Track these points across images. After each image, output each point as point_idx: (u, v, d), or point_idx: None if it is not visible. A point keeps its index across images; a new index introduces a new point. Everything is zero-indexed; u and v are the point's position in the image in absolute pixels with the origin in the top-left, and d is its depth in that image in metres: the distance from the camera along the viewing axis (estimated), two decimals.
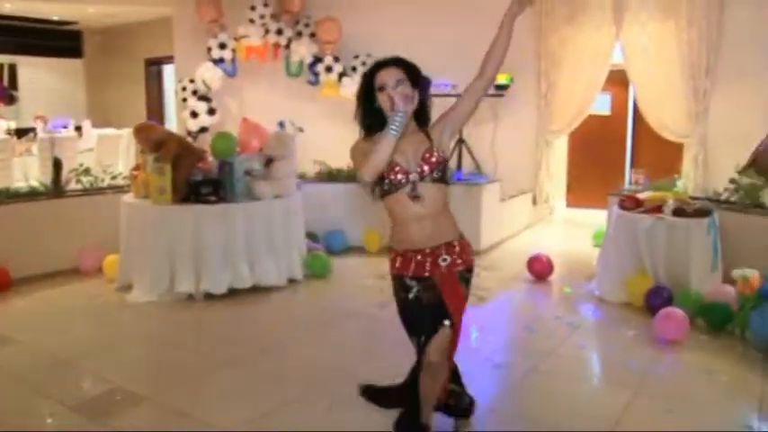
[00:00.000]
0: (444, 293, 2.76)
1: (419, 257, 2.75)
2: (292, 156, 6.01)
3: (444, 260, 2.76)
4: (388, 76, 2.68)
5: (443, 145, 2.79)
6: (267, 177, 5.81)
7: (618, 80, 8.65)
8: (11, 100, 12.02)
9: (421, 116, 2.80)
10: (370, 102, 2.73)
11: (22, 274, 6.08)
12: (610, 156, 9.34)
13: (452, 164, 8.39)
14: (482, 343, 4.61)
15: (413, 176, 2.69)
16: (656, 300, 4.90)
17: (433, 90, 8.01)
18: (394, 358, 4.16)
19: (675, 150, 8.03)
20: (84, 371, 4.17)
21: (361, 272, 6.51)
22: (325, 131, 9.54)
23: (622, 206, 5.49)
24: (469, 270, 2.86)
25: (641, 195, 5.51)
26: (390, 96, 2.64)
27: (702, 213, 5.19)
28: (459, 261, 2.80)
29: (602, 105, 9.18)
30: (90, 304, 5.56)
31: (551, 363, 4.21)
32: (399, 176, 2.69)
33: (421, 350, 2.82)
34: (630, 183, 6.90)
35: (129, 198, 5.94)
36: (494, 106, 8.83)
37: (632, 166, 9.14)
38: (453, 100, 8.00)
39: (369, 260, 6.92)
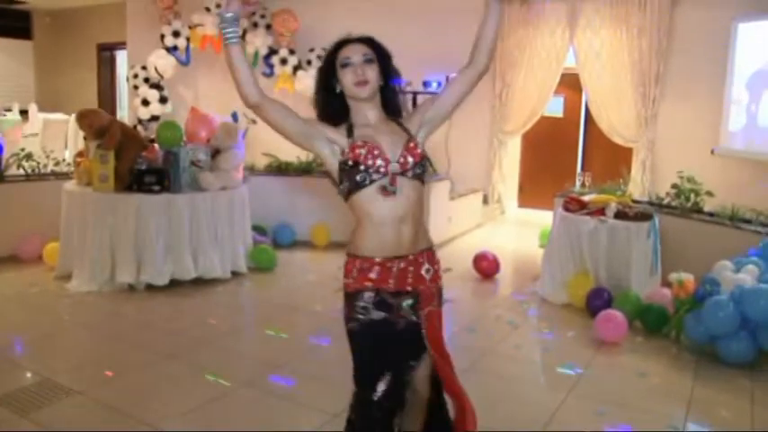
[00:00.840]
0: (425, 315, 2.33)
1: (402, 265, 2.28)
2: (239, 147, 5.94)
3: (428, 271, 2.35)
4: (354, 51, 2.29)
5: (421, 140, 2.37)
6: (213, 168, 5.74)
7: (571, 83, 8.77)
8: None
9: (389, 105, 2.39)
10: (331, 86, 2.32)
11: None
12: (562, 157, 9.45)
13: None
14: None
15: (393, 167, 2.22)
16: (597, 301, 4.97)
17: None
18: (332, 355, 4.18)
19: (625, 154, 8.17)
20: (14, 361, 4.06)
21: (306, 266, 6.51)
22: None
23: (566, 208, 5.56)
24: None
25: (585, 198, 5.58)
26: (358, 74, 2.25)
27: (644, 217, 5.29)
28: (439, 275, 2.41)
29: (555, 108, 9.30)
30: (28, 292, 5.42)
31: (487, 362, 4.24)
32: (379, 162, 2.21)
33: (394, 388, 2.28)
34: (579, 185, 7.00)
35: (71, 185, 5.80)
36: None
37: (583, 168, 9.27)
38: (407, 97, 8.01)
39: (315, 255, 6.90)
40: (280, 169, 7.42)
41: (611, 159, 8.51)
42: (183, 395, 3.61)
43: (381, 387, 2.25)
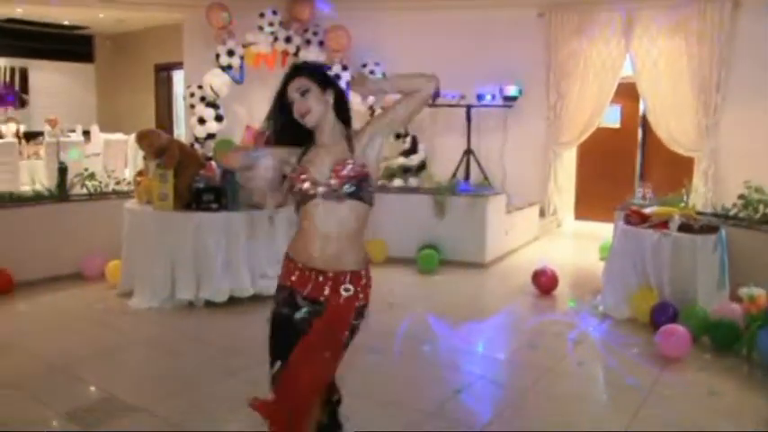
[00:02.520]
0: (329, 323, 2.41)
1: (320, 279, 2.40)
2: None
3: (347, 290, 2.42)
4: (292, 89, 2.41)
5: (368, 158, 2.42)
6: (273, 188, 5.77)
7: (628, 93, 8.60)
8: (21, 103, 12.09)
9: (341, 117, 2.49)
10: (288, 114, 2.45)
11: (25, 278, 6.09)
12: (619, 168, 9.25)
13: (460, 175, 8.37)
14: (481, 359, 4.55)
15: (321, 189, 2.35)
16: (662, 316, 4.82)
17: (440, 101, 8.02)
18: (391, 370, 4.14)
19: (686, 164, 7.95)
20: (81, 378, 4.14)
21: None
22: None
23: (628, 221, 5.42)
24: (365, 307, 2.51)
25: (647, 210, 5.43)
26: (298, 108, 2.40)
27: (709, 230, 5.12)
28: (361, 296, 2.47)
29: (611, 118, 9.13)
30: (91, 310, 5.55)
31: (550, 380, 4.14)
32: (306, 186, 2.36)
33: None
34: (638, 197, 6.83)
35: (131, 204, 5.93)
36: (503, 117, 8.80)
37: (642, 179, 9.06)
38: (462, 110, 7.96)
39: (373, 271, 6.83)
40: None
41: (671, 170, 8.29)
42: (243, 413, 3.61)
43: (274, 370, 2.44)
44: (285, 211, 5.75)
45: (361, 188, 2.37)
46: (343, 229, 2.39)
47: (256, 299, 5.55)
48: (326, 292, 2.40)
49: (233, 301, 5.46)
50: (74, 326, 5.19)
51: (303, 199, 2.38)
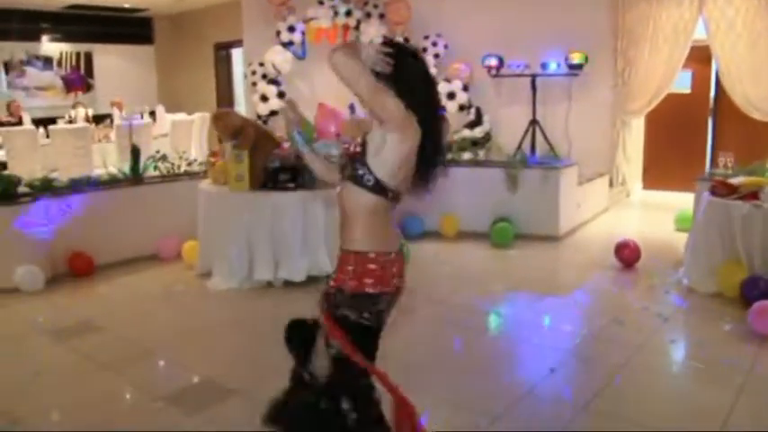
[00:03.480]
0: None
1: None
2: None
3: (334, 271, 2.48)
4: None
5: (374, 140, 2.31)
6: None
7: (700, 57, 8.28)
8: (87, 87, 12.34)
9: None
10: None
11: (104, 261, 6.25)
12: (690, 136, 8.96)
13: (526, 147, 8.21)
14: (567, 335, 4.48)
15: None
16: (753, 290, 4.65)
17: (505, 70, 7.86)
18: (478, 349, 4.12)
19: (762, 131, 7.64)
20: (171, 360, 4.22)
21: (439, 258, 6.44)
22: None
23: (714, 191, 5.23)
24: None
25: (734, 180, 5.23)
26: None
27: None
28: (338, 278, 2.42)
29: (682, 83, 8.80)
30: (171, 291, 5.66)
31: (643, 358, 4.04)
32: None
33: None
34: (715, 166, 6.60)
35: (206, 185, 5.99)
36: (568, 86, 8.58)
37: (714, 147, 8.76)
38: (526, 80, 7.77)
39: (446, 245, 6.83)
40: None
41: (747, 136, 7.99)
42: None
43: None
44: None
45: (355, 170, 2.31)
46: (343, 207, 2.41)
47: None
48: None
49: (311, 280, 5.46)
50: (156, 308, 5.29)
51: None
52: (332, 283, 2.43)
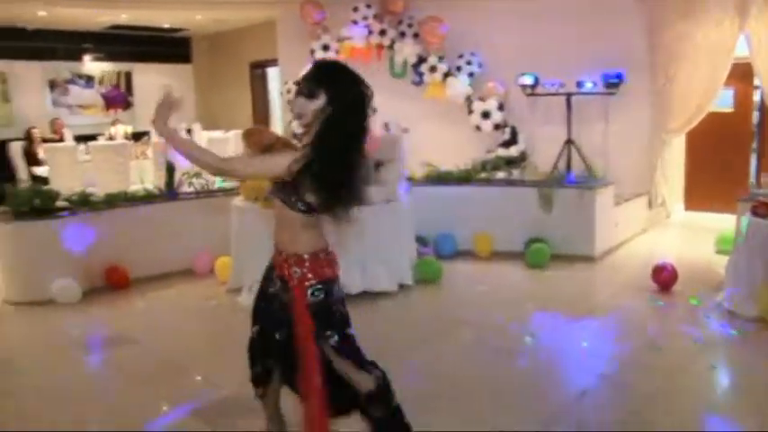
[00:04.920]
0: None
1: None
2: (400, 159, 5.93)
3: (295, 272, 2.72)
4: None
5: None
6: (376, 181, 5.73)
7: (742, 74, 8.10)
8: (127, 105, 12.61)
9: None
10: None
11: (140, 275, 6.36)
12: (732, 156, 8.74)
13: (561, 165, 8.12)
14: (601, 358, 4.35)
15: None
16: None
17: (540, 89, 7.79)
18: (504, 370, 4.03)
19: None
20: (201, 374, 4.23)
21: (473, 277, 6.33)
22: (429, 132, 9.45)
23: (756, 212, 5.08)
24: (323, 282, 2.73)
25: None
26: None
27: None
28: (309, 275, 2.72)
29: (723, 101, 8.61)
30: (204, 306, 5.71)
31: (680, 384, 3.91)
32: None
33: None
34: (758, 186, 6.42)
35: (238, 201, 6.02)
36: (604, 105, 8.47)
37: (759, 166, 8.54)
38: (562, 99, 7.67)
39: (480, 265, 6.71)
40: (439, 178, 7.32)
41: None
42: None
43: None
44: (389, 210, 5.73)
45: (283, 193, 2.62)
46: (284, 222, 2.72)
47: (365, 295, 5.54)
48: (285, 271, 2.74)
49: None
50: (188, 322, 5.36)
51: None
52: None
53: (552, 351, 4.49)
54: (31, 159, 9.85)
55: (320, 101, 2.51)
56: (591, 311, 5.25)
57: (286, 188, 2.59)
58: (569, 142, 8.42)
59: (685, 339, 4.59)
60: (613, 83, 8.19)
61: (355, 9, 9.25)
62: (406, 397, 3.67)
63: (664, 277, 5.61)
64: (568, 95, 8.34)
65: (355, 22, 9.25)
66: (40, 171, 9.56)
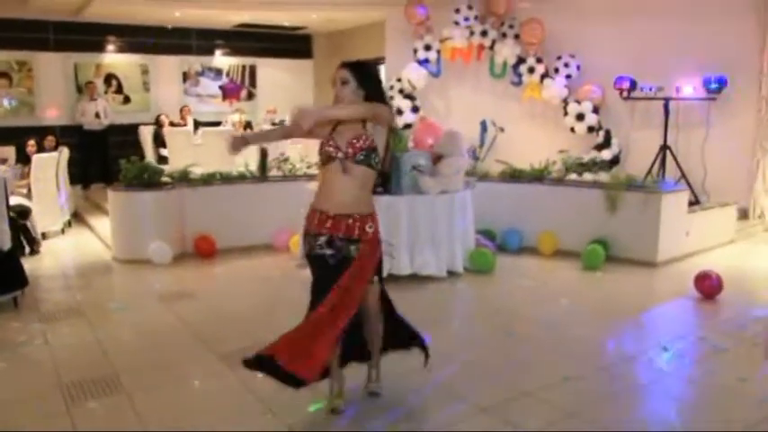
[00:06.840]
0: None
1: (350, 221, 3.20)
2: (461, 154, 6.16)
3: (370, 227, 3.25)
4: (337, 75, 3.26)
5: (376, 136, 3.19)
6: (434, 173, 6.01)
7: None
8: (249, 96, 13.62)
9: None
10: None
11: (226, 245, 7.10)
12: None
13: (655, 171, 7.98)
14: (614, 359, 4.33)
15: (340, 154, 3.15)
16: None
17: (637, 93, 7.66)
18: (530, 359, 4.19)
19: None
20: (242, 328, 4.76)
21: (526, 272, 6.42)
22: (525, 132, 9.55)
23: None
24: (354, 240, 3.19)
25: None
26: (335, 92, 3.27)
27: None
28: (379, 230, 3.32)
29: None
30: (270, 276, 6.32)
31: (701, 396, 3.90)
32: (330, 149, 3.18)
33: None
34: None
35: (312, 185, 6.50)
36: (705, 110, 8.21)
37: None
38: (660, 104, 7.42)
39: (539, 262, 6.79)
40: (512, 176, 7.46)
41: None
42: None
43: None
44: (444, 201, 5.98)
45: (370, 157, 3.16)
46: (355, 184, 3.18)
47: (414, 278, 5.86)
48: (356, 231, 3.20)
49: (391, 278, 5.70)
50: (250, 288, 6.00)
51: (327, 160, 3.19)
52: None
53: (558, 345, 4.48)
54: (159, 141, 10.94)
55: (353, 83, 3.22)
56: (617, 314, 5.14)
57: (366, 150, 3.15)
58: (665, 148, 8.25)
59: (701, 344, 4.50)
60: (715, 88, 7.94)
61: (457, 11, 9.50)
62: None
63: (706, 285, 5.44)
64: (666, 100, 8.18)
65: (456, 23, 9.51)
66: (164, 152, 10.60)
